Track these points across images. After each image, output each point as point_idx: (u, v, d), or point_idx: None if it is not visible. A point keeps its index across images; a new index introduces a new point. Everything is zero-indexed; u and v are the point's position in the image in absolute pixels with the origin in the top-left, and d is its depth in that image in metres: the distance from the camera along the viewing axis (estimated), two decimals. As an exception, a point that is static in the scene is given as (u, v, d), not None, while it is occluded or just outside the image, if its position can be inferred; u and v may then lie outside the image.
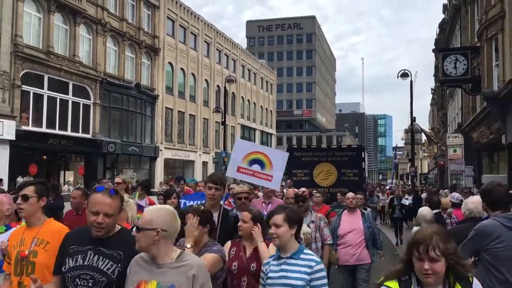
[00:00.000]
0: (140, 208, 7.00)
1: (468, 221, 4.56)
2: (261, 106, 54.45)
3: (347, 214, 6.71)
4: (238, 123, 47.00)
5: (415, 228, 5.45)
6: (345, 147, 13.52)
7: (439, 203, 6.88)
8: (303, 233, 4.80)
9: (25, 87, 21.00)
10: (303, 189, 7.89)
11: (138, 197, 7.75)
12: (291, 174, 11.69)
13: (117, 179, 7.95)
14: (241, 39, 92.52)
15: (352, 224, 6.53)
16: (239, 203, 5.43)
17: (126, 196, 4.62)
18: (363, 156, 11.96)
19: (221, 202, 4.57)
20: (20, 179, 20.23)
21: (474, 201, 4.66)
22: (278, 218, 3.16)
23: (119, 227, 3.02)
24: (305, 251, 3.17)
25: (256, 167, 4.69)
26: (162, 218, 2.63)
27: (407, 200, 16.73)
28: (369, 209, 8.90)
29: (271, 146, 56.25)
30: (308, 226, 5.67)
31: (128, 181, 7.71)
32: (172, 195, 6.46)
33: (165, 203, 6.38)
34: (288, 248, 3.14)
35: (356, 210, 6.71)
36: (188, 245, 3.18)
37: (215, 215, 3.86)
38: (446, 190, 15.04)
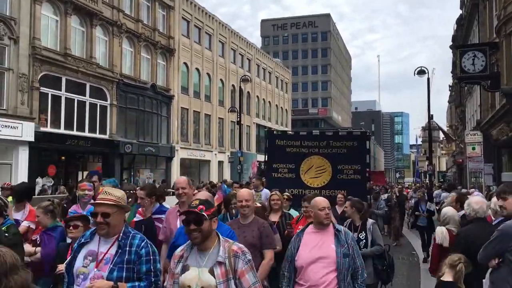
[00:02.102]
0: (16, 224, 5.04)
1: (475, 222, 4.55)
2: (276, 105, 54.37)
3: (312, 232, 4.19)
4: (254, 122, 47.00)
5: (439, 229, 5.36)
6: (344, 134, 10.35)
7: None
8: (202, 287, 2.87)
9: (43, 89, 21.30)
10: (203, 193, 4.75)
11: (15, 209, 5.70)
12: (271, 169, 9.09)
13: None
14: (256, 38, 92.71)
15: (318, 249, 4.04)
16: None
17: None
18: (367, 146, 9.07)
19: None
20: (39, 180, 20.60)
21: (477, 201, 4.69)
22: None
23: None
24: None
25: None
26: None
27: (432, 205, 13.71)
28: (371, 221, 6.12)
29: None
30: (212, 272, 2.95)
31: None
32: None
33: None
34: None
35: (328, 227, 4.18)
36: None
37: None
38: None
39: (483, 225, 4.45)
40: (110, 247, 3.12)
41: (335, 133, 11.24)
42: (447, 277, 3.89)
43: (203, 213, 2.98)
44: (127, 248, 3.10)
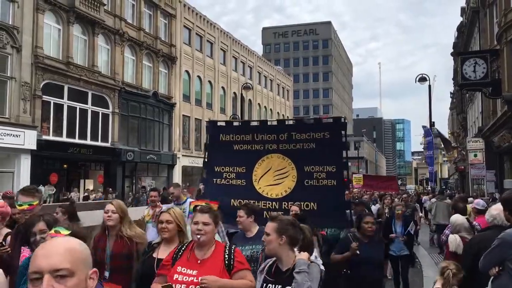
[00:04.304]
0: None
1: (492, 229, 4.52)
2: (278, 113, 54.41)
3: None
4: (255, 130, 46.95)
5: (452, 236, 5.31)
6: (311, 122, 7.49)
7: (465, 210, 6.73)
8: None
9: (45, 97, 21.39)
10: None
11: None
12: (211, 174, 6.72)
13: None
14: (259, 46, 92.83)
15: None
16: None
17: None
18: (344, 139, 6.40)
19: None
20: (41, 188, 20.61)
21: (497, 208, 4.62)
22: None
23: None
24: None
25: None
26: None
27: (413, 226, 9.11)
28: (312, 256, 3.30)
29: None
30: None
31: None
32: None
33: None
34: None
35: None
36: None
37: None
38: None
39: (499, 232, 4.42)
40: None
41: (298, 121, 8.65)
42: (438, 284, 4.01)
43: None
44: None
